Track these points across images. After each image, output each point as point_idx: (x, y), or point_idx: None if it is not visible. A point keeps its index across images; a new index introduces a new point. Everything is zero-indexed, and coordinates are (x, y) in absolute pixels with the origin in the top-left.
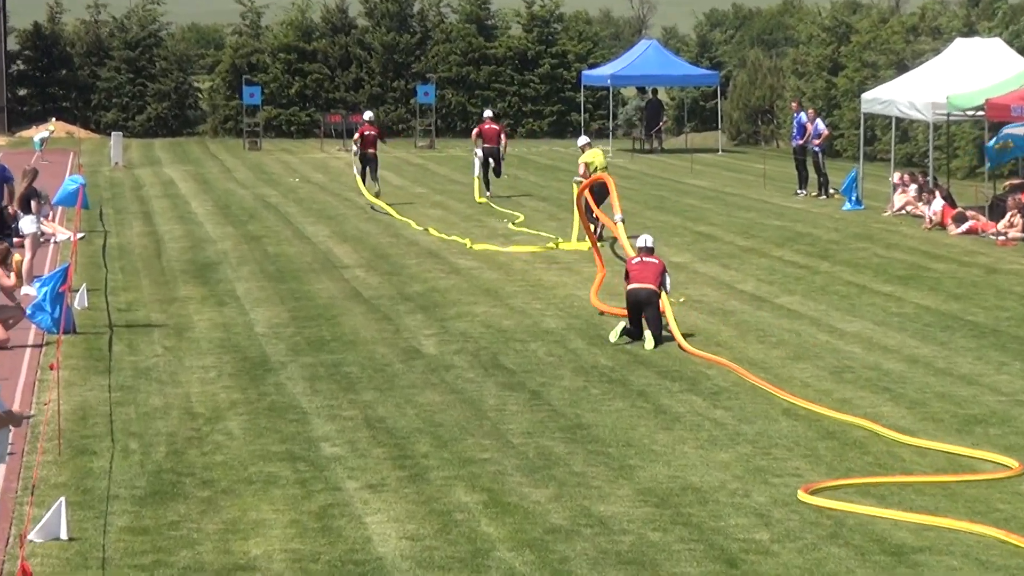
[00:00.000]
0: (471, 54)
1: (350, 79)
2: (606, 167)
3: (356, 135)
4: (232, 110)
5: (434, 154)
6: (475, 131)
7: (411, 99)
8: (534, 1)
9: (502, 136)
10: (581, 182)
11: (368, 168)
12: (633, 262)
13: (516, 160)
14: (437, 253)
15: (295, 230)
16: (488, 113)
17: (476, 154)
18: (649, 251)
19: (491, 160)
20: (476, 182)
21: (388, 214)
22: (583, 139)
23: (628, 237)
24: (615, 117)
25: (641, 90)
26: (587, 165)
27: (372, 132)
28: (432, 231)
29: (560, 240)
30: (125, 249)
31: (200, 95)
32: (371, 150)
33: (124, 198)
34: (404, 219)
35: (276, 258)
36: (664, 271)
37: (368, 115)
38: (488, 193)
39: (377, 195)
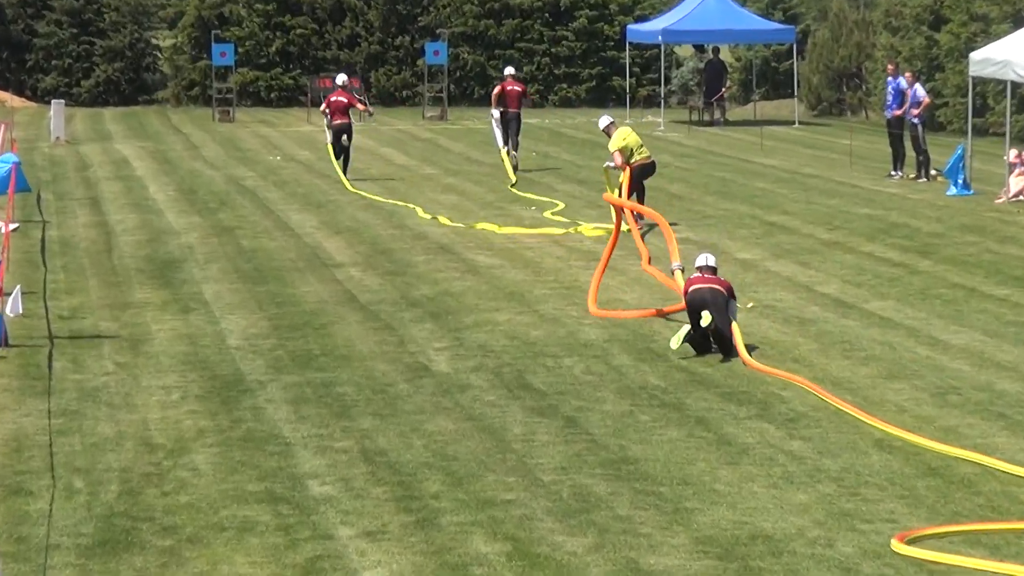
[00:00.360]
0: (490, 4)
1: (343, 35)
2: (641, 146)
3: (323, 104)
4: (199, 73)
5: (446, 126)
6: (495, 92)
7: (418, 60)
8: None
9: (524, 99)
10: (614, 169)
11: (338, 142)
12: (692, 288)
13: (546, 134)
14: (450, 248)
15: (276, 220)
16: (510, 70)
17: (493, 117)
18: (712, 271)
19: (510, 127)
20: (504, 160)
21: (373, 199)
22: (605, 119)
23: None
24: (668, 82)
25: (699, 48)
26: (622, 151)
27: (341, 99)
28: (443, 220)
29: (581, 224)
30: (68, 243)
31: (160, 55)
32: (340, 120)
33: (67, 180)
34: (410, 206)
35: (253, 254)
36: (732, 294)
37: (341, 78)
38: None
39: (345, 174)
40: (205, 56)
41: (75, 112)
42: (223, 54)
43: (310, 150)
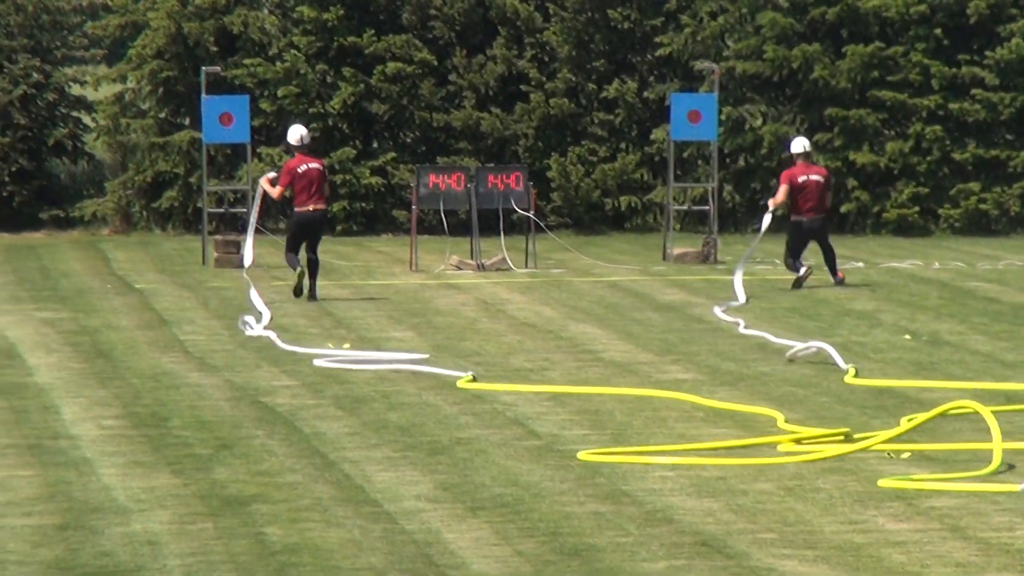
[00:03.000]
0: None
1: (491, 75)
2: None
3: (277, 177)
4: (174, 160)
5: (703, 275)
6: (783, 183)
7: (653, 132)
8: None
9: (827, 195)
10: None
11: (301, 236)
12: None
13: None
14: None
15: (342, 484)
16: (801, 147)
17: (762, 225)
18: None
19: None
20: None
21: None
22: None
23: None
24: None
25: None
26: None
27: (313, 167)
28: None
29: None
30: None
31: (88, 117)
32: (310, 203)
33: None
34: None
35: (289, 570)
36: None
37: (298, 133)
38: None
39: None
40: (187, 121)
41: None
42: (226, 118)
43: (420, 332)
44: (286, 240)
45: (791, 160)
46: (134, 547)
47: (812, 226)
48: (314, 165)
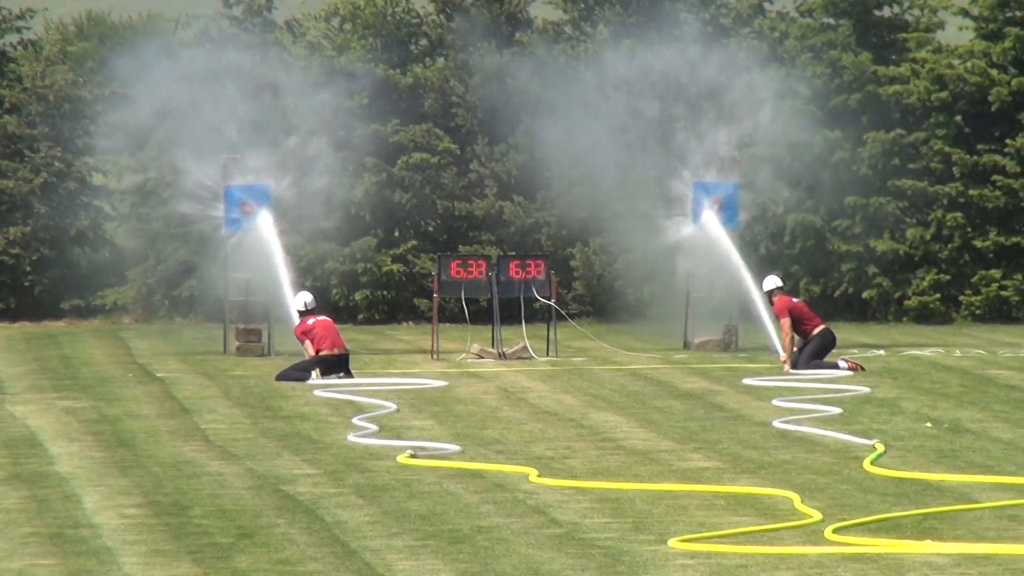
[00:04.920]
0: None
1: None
2: None
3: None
4: (196, 248)
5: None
6: (783, 316)
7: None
8: None
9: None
10: None
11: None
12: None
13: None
14: None
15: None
16: (776, 282)
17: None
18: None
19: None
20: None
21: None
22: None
23: None
24: None
25: None
26: None
27: (323, 318)
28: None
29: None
30: None
31: (109, 208)
32: (333, 346)
33: None
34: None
35: None
36: None
37: (305, 299)
38: None
39: None
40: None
41: None
42: (245, 207)
43: (441, 421)
44: (297, 365)
45: (770, 298)
46: None
47: (828, 336)
48: (323, 317)
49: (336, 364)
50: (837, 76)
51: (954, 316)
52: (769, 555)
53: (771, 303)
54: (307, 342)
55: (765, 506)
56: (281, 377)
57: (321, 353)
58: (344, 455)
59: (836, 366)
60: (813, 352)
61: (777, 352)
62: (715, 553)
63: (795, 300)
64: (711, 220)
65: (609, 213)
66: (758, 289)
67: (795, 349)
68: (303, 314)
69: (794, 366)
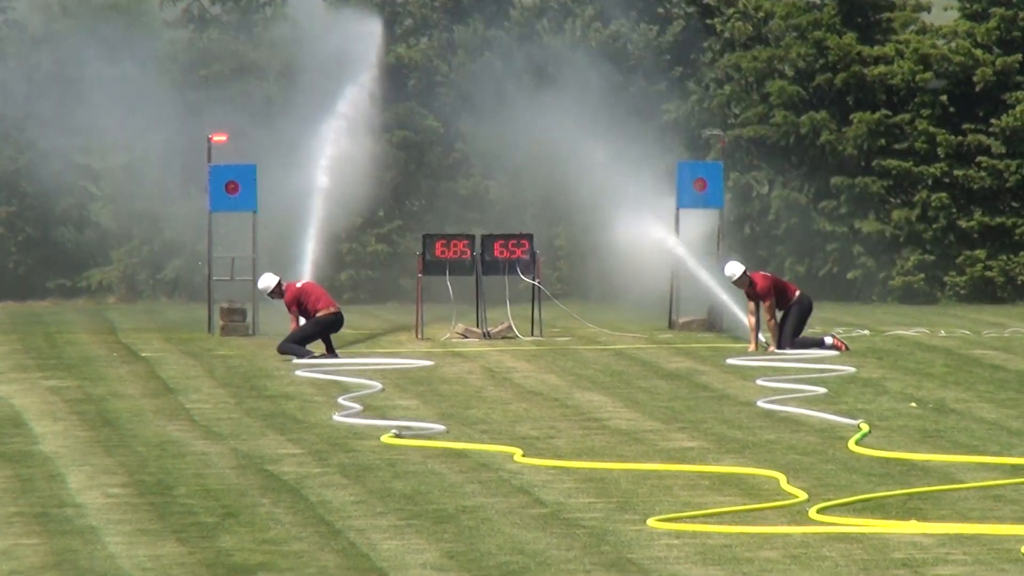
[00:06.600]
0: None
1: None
2: None
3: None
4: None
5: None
6: (766, 295)
7: None
8: None
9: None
10: None
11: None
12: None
13: (940, 360)
14: None
15: (349, 555)
16: (739, 268)
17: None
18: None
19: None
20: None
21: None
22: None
23: None
24: None
25: None
26: None
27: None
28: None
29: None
30: None
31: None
32: (329, 306)
33: None
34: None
35: None
36: None
37: (266, 281)
38: None
39: None
40: (191, 186)
41: None
42: (231, 187)
43: (426, 401)
44: (294, 336)
45: (741, 281)
46: None
47: (805, 302)
48: (306, 279)
49: (334, 323)
50: (822, 56)
51: (939, 296)
52: (754, 535)
53: (750, 285)
54: (294, 312)
55: (750, 486)
56: (284, 350)
57: (319, 314)
58: (329, 435)
59: (822, 343)
60: (795, 326)
61: (761, 341)
62: (700, 533)
63: (769, 275)
64: (695, 200)
65: (595, 192)
66: (727, 292)
67: (774, 322)
68: (276, 291)
69: (779, 345)
